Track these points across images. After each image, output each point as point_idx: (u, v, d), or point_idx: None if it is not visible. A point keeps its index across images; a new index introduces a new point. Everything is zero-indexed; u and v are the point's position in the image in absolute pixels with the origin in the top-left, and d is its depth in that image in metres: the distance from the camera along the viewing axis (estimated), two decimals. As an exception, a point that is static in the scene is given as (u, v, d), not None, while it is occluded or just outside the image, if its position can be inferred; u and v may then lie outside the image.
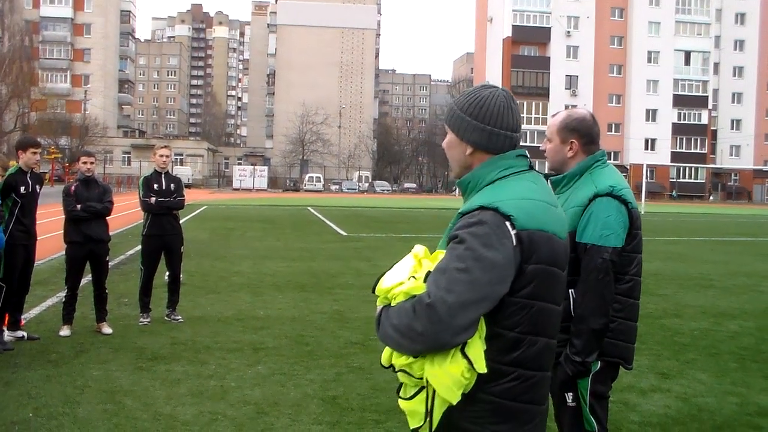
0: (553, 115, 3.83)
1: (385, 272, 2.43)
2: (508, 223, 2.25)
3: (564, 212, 3.46)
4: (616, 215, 3.41)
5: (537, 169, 2.50)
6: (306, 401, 6.37)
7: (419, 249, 2.43)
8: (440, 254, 2.34)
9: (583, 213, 3.42)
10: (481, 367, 2.23)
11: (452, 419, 2.32)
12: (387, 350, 2.38)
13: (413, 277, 2.32)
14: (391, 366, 2.40)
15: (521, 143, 2.51)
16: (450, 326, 2.15)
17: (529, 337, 2.31)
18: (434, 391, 2.28)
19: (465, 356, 2.22)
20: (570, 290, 3.36)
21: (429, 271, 2.28)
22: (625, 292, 3.53)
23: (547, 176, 3.66)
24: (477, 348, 2.24)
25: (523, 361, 2.31)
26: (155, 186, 9.52)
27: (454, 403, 2.26)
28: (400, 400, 2.43)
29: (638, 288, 3.64)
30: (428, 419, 2.32)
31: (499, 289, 2.22)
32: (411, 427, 2.39)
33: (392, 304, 2.31)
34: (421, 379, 2.30)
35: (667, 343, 8.85)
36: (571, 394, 3.44)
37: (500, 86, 2.53)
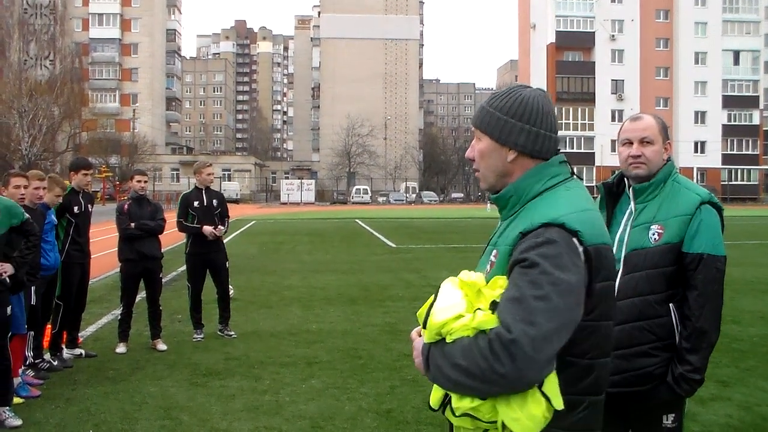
0: (635, 118, 3.50)
1: (431, 304, 2.15)
2: (575, 240, 2.06)
3: (659, 223, 3.26)
4: (718, 223, 3.28)
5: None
6: (361, 415, 6.37)
7: (471, 275, 2.18)
8: (500, 281, 2.11)
9: (690, 221, 3.24)
10: (559, 404, 2.02)
11: None
12: (437, 390, 2.16)
13: (479, 308, 2.05)
14: (442, 408, 2.16)
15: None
16: (537, 362, 1.93)
17: (599, 360, 2.15)
18: None
19: (543, 393, 2.01)
20: (670, 305, 3.22)
21: (494, 301, 2.05)
22: None
23: (622, 185, 3.50)
24: (552, 383, 2.03)
25: (592, 387, 2.15)
26: (196, 203, 9.56)
27: None
28: None
29: None
30: None
31: (577, 313, 2.03)
32: None
33: (447, 341, 2.05)
34: (493, 422, 2.06)
35: (725, 350, 8.64)
36: (673, 415, 3.27)
37: (530, 86, 2.33)
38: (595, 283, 2.10)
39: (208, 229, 9.41)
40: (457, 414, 2.10)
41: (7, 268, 6.34)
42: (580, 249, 2.06)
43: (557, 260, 2.01)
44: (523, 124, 2.22)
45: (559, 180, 2.23)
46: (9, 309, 6.33)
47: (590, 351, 2.12)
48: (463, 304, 2.08)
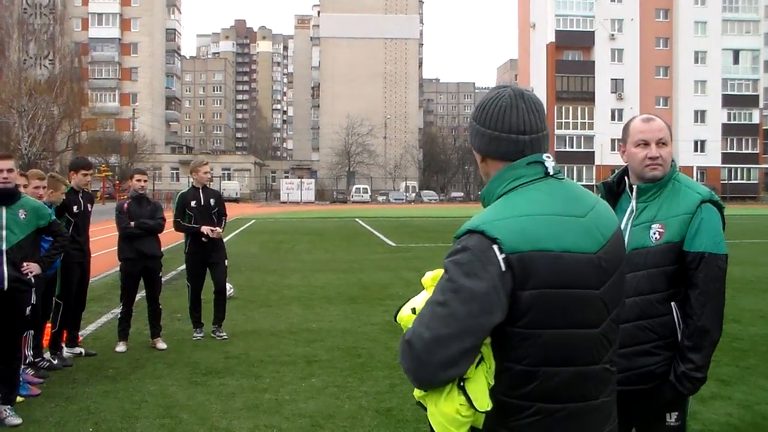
0: (648, 119, 3.46)
1: (407, 300, 2.33)
2: (495, 247, 2.03)
3: (660, 222, 3.25)
4: (719, 221, 3.27)
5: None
6: (361, 413, 6.38)
7: (427, 276, 2.30)
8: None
9: (691, 220, 3.23)
10: (482, 405, 2.07)
11: None
12: None
13: (413, 308, 2.24)
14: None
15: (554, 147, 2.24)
16: (428, 364, 2.02)
17: (543, 369, 2.09)
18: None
19: (464, 392, 2.08)
20: (672, 303, 3.22)
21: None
22: None
23: (621, 186, 3.48)
24: (479, 384, 2.09)
25: (542, 394, 2.10)
26: (193, 202, 9.51)
27: None
28: None
29: None
30: None
31: (484, 320, 2.02)
32: None
33: None
34: None
35: (725, 349, 8.62)
36: (676, 413, 3.27)
37: (511, 85, 2.32)
38: (521, 291, 2.05)
39: (206, 228, 9.38)
40: (415, 402, 2.23)
41: (34, 268, 6.44)
42: (500, 257, 2.03)
43: (466, 267, 2.04)
44: (479, 127, 2.26)
45: (521, 182, 2.19)
46: (29, 309, 6.41)
47: (526, 358, 2.09)
48: (420, 302, 2.22)
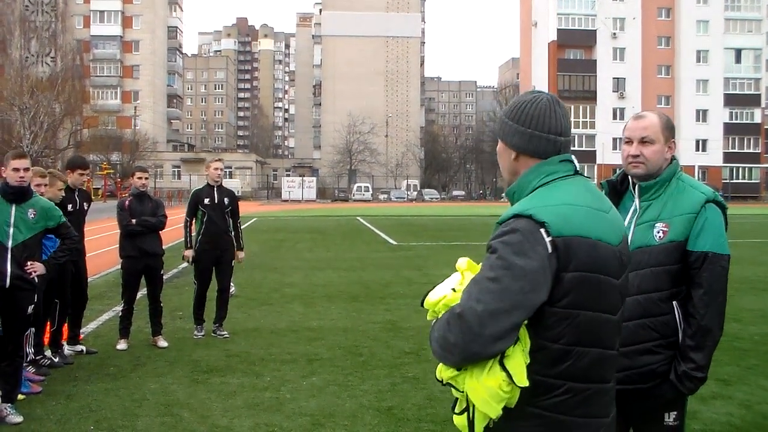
0: (638, 117, 3.49)
1: (435, 285, 2.41)
2: (542, 230, 2.19)
3: (664, 221, 3.28)
4: (722, 222, 3.28)
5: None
6: (361, 412, 6.38)
7: (462, 261, 2.43)
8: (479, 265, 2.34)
9: (695, 220, 3.25)
10: (521, 381, 2.18)
11: None
12: (440, 364, 2.36)
13: (453, 288, 2.32)
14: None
15: (571, 148, 2.44)
16: (480, 336, 2.13)
17: (576, 348, 2.24)
18: (474, 405, 2.26)
19: (504, 369, 2.19)
20: (673, 302, 3.23)
21: None
22: None
23: (623, 183, 3.51)
24: (518, 361, 2.19)
25: (573, 373, 2.25)
26: (206, 200, 9.54)
27: (494, 417, 2.23)
28: (453, 415, 2.41)
29: None
30: None
31: (533, 297, 2.16)
32: None
33: (438, 317, 2.31)
34: (464, 392, 2.29)
35: (726, 349, 8.59)
36: (675, 413, 3.29)
37: (546, 91, 2.51)
38: (565, 273, 2.20)
39: (188, 253, 9.52)
40: (443, 383, 2.34)
41: (38, 268, 6.44)
42: (547, 239, 2.19)
43: (516, 247, 2.18)
44: (518, 126, 2.42)
45: (555, 177, 2.38)
46: (31, 308, 6.41)
47: (563, 337, 2.22)
48: (453, 286, 2.34)
